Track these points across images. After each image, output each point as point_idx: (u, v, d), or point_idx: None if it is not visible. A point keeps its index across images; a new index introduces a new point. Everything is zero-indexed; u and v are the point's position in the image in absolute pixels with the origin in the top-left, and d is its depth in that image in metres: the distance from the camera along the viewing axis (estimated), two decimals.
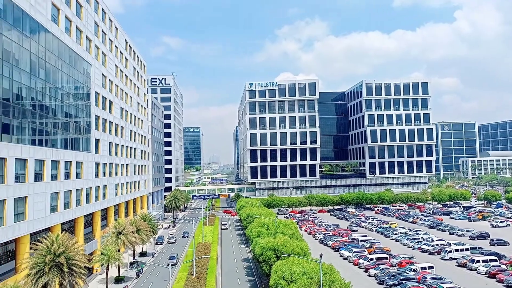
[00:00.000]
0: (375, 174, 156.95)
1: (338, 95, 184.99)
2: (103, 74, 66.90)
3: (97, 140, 62.81)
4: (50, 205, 44.76)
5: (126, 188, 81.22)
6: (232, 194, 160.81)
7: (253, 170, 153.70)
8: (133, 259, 68.78)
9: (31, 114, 40.98)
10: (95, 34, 63.32)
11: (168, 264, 51.82)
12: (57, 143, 47.64)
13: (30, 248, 39.59)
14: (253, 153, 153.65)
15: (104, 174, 66.05)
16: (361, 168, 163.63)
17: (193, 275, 53.50)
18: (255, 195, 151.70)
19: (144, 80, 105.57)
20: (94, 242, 60.78)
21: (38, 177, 42.40)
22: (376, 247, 70.17)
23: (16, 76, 38.01)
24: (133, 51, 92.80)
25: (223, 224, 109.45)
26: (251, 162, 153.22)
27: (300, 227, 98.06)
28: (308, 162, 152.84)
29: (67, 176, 50.30)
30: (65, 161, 49.54)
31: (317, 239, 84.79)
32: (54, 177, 46.23)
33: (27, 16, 40.29)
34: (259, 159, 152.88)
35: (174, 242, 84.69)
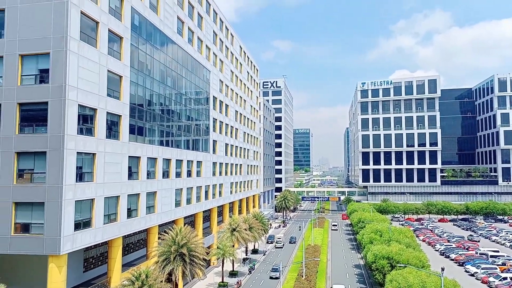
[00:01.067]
0: (510, 181, 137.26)
1: (464, 92, 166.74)
2: (220, 80, 71.45)
3: (214, 141, 67.32)
4: (175, 200, 49.40)
5: (239, 187, 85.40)
6: (342, 197, 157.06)
7: (365, 173, 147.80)
8: (246, 255, 71.86)
9: (160, 118, 45.80)
10: (213, 43, 68.00)
11: (271, 277, 52.98)
12: (181, 144, 52.35)
13: (158, 238, 44.20)
14: (365, 156, 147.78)
15: (220, 173, 70.46)
16: (491, 174, 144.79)
17: (302, 276, 53.63)
18: (367, 200, 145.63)
19: (257, 83, 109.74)
20: (211, 237, 65.18)
21: (165, 174, 47.13)
22: (510, 265, 61.30)
23: (149, 84, 42.89)
24: (247, 56, 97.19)
25: (333, 225, 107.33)
26: (362, 164, 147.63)
27: (417, 236, 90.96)
28: (427, 166, 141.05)
29: (189, 174, 54.95)
30: (187, 161, 54.20)
31: (437, 251, 77.59)
32: (178, 174, 50.91)
33: (157, 31, 45.16)
34: (371, 162, 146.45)
35: (281, 247, 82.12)
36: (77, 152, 30.50)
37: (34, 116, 30.06)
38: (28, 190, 29.06)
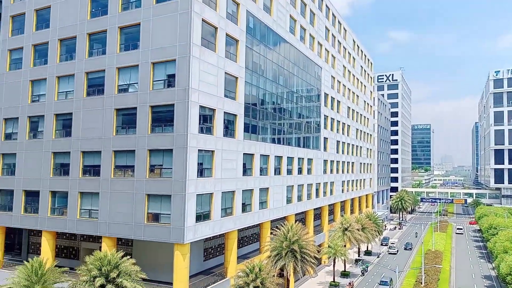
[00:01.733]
0: None
1: None
2: (332, 76, 70.18)
3: (325, 139, 66.48)
4: (286, 197, 50.23)
5: (351, 186, 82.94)
6: (469, 200, 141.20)
7: (498, 174, 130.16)
8: (358, 256, 69.58)
9: (272, 116, 46.94)
10: (325, 39, 67.04)
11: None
12: (292, 141, 52.93)
13: (270, 233, 45.48)
14: (499, 153, 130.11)
15: (331, 171, 69.36)
16: None
17: (421, 283, 49.79)
18: (500, 203, 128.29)
19: (371, 78, 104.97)
20: (322, 235, 64.66)
21: (277, 171, 48.19)
22: None
23: (262, 84, 44.27)
24: (360, 50, 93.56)
25: (458, 229, 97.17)
26: (495, 163, 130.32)
27: None
28: None
29: (299, 171, 55.29)
30: (298, 158, 54.58)
31: None
32: (289, 172, 51.61)
33: (270, 31, 46.27)
34: (506, 161, 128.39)
35: (395, 253, 75.54)
36: (199, 150, 33.04)
37: (162, 117, 33.45)
38: (158, 184, 32.51)
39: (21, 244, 45.08)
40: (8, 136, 41.29)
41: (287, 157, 50.94)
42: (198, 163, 32.97)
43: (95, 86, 36.56)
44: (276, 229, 44.22)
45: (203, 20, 33.76)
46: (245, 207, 40.52)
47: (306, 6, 58.07)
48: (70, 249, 42.04)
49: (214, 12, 35.55)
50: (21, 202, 39.24)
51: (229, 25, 37.78)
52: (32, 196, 38.89)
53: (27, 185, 38.98)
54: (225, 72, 37.10)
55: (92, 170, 36.01)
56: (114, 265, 28.31)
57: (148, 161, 33.28)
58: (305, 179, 56.78)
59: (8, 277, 29.60)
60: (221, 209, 36.17)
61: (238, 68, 39.18)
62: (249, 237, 49.39)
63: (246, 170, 40.96)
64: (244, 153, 40.20)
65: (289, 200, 51.26)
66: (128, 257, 29.71)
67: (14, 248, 45.52)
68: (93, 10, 37.33)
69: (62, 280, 29.28)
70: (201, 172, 33.62)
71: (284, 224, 44.91)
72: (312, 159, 59.81)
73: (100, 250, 32.95)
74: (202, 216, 33.59)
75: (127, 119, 34.96)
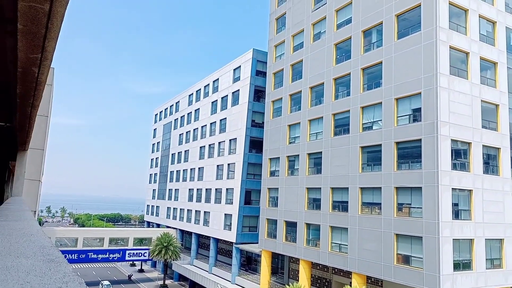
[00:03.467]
0: None
1: None
2: None
3: None
4: None
5: None
6: None
7: None
8: None
9: None
10: None
11: None
12: None
13: None
14: None
15: None
16: None
17: None
18: None
19: None
20: None
21: None
22: None
23: None
24: None
25: None
26: None
27: None
28: None
29: None
30: None
31: None
32: None
33: None
34: None
35: None
36: (452, 188, 29.77)
37: (409, 154, 32.11)
38: (407, 224, 30.95)
39: (283, 268, 51.38)
40: (272, 173, 48.70)
41: None
42: (452, 204, 29.64)
43: (341, 126, 38.89)
44: None
45: (450, 47, 31.12)
46: None
47: None
48: (324, 280, 44.85)
49: (464, 36, 32.23)
50: (283, 231, 45.00)
51: (484, 47, 33.32)
52: (291, 227, 44.06)
53: (287, 216, 44.51)
54: (481, 100, 32.57)
55: (341, 206, 37.84)
56: None
57: (395, 199, 32.34)
58: None
59: None
60: (486, 259, 30.91)
61: (498, 94, 33.72)
62: None
63: None
64: None
65: None
66: None
67: (278, 272, 52.25)
68: (338, 56, 40.43)
69: None
70: (456, 214, 30.01)
71: None
72: None
73: (351, 285, 33.69)
74: (461, 265, 29.62)
75: (372, 156, 35.37)
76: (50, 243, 2.41)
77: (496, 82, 33.90)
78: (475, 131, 31.65)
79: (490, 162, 32.75)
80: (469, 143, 31.31)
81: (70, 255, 61.63)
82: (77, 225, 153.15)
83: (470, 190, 30.84)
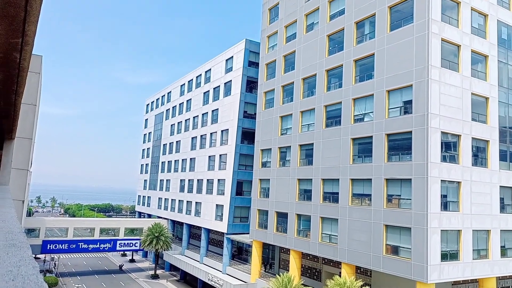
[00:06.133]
0: None
1: None
2: None
3: None
4: None
5: None
6: None
7: None
8: None
9: None
10: None
11: None
12: None
13: None
14: None
15: None
16: None
17: None
18: None
19: None
20: None
21: None
22: None
23: None
24: None
25: None
26: None
27: None
28: None
29: None
30: None
31: None
32: None
33: None
34: None
35: None
36: (441, 180, 30.07)
37: (399, 146, 32.31)
38: (396, 215, 31.26)
39: (274, 259, 51.76)
40: (263, 164, 48.76)
41: None
42: (441, 195, 29.96)
43: (333, 117, 38.97)
44: None
45: (442, 39, 31.18)
46: (505, 251, 33.86)
47: None
48: (313, 270, 45.28)
49: (456, 29, 32.30)
50: (274, 222, 45.23)
51: (475, 40, 33.45)
52: (282, 217, 44.29)
53: (278, 207, 44.71)
54: (472, 93, 32.79)
55: (331, 197, 38.08)
56: None
57: (385, 190, 32.61)
58: None
59: (264, 286, 34.34)
60: (473, 250, 31.41)
61: (488, 86, 33.96)
62: None
63: (505, 207, 34.41)
64: (500, 186, 33.97)
65: None
66: (367, 287, 29.52)
67: (268, 262, 52.63)
68: (330, 48, 40.33)
69: None
70: (445, 206, 30.38)
71: None
72: None
73: (340, 275, 34.07)
74: (448, 256, 30.06)
75: (363, 148, 35.55)
76: (20, 229, 2.36)
77: (487, 75, 34.12)
78: (464, 124, 31.91)
79: (479, 154, 33.11)
80: (458, 136, 31.58)
81: (60, 245, 61.40)
82: (67, 215, 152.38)
83: (458, 182, 31.19)
